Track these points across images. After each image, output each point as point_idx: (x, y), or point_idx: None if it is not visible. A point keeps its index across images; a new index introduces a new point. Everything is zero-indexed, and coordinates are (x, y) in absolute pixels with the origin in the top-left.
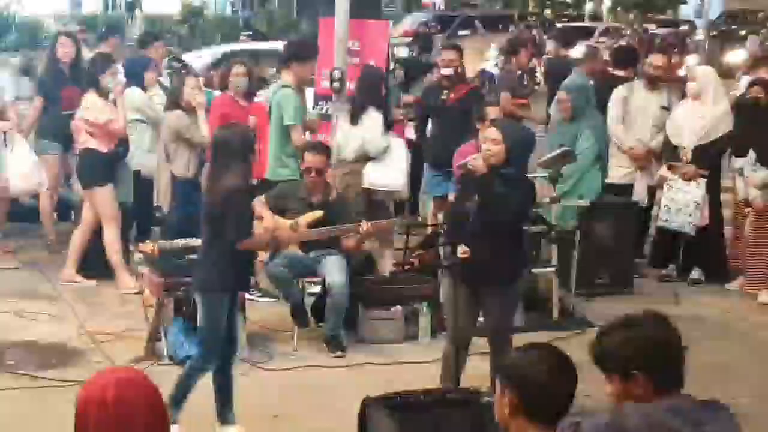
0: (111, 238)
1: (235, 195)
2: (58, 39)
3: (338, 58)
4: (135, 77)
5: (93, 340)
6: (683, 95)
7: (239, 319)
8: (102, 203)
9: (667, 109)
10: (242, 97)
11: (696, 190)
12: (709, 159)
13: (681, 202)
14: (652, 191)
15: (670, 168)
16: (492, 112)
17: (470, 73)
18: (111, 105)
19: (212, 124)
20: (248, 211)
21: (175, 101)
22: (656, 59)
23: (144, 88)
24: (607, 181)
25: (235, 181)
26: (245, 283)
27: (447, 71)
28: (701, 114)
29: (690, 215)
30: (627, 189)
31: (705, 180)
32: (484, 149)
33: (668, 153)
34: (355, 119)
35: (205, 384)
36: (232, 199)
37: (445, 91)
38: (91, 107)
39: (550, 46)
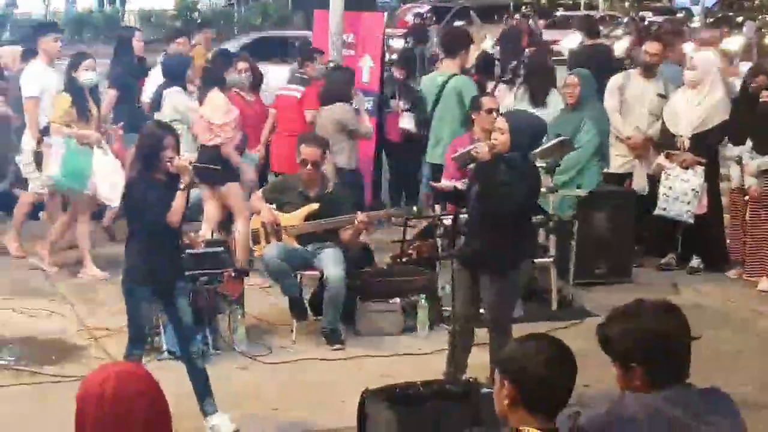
0: (245, 230)
1: (132, 186)
2: (135, 34)
3: (333, 50)
4: (176, 76)
5: (92, 336)
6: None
7: (185, 311)
8: (237, 197)
9: (663, 96)
10: (247, 92)
11: (694, 178)
12: (707, 147)
13: (679, 191)
14: (651, 180)
15: (668, 156)
16: (487, 102)
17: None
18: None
19: None
20: (152, 202)
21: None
22: (651, 46)
23: (185, 88)
24: (605, 170)
25: (134, 173)
26: (166, 276)
27: None
28: (698, 102)
29: (688, 203)
30: (625, 178)
31: (703, 168)
32: (492, 137)
33: (666, 141)
34: (536, 101)
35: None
36: (130, 189)
37: None
38: (217, 107)
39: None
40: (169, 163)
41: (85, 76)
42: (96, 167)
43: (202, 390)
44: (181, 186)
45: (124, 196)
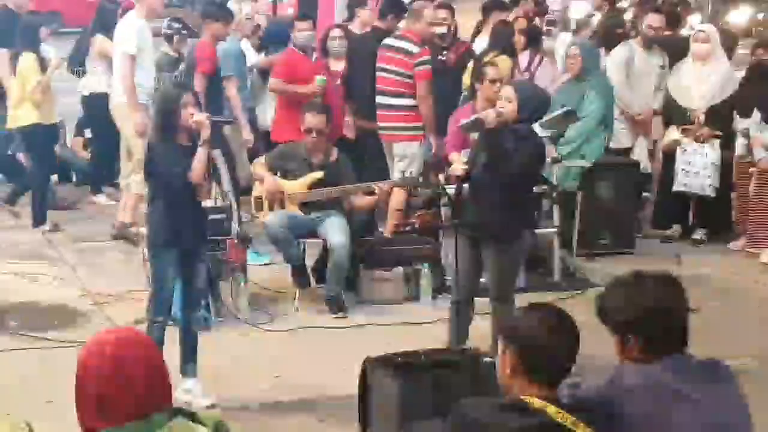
0: None
1: (153, 148)
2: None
3: (339, 17)
4: (280, 41)
5: (94, 302)
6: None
7: (200, 276)
8: None
9: (664, 68)
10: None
11: (712, 152)
12: (721, 119)
13: (699, 165)
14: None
15: (683, 131)
16: (490, 72)
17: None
18: None
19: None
20: (170, 164)
21: None
22: (654, 19)
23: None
24: (615, 146)
25: (155, 135)
26: (190, 239)
27: (440, 30)
28: (708, 74)
29: (709, 177)
30: (629, 151)
31: (719, 141)
32: (498, 105)
33: (678, 116)
34: None
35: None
36: (150, 153)
37: (444, 52)
38: None
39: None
40: (190, 120)
41: None
42: None
43: (190, 354)
44: (200, 142)
45: (146, 160)
